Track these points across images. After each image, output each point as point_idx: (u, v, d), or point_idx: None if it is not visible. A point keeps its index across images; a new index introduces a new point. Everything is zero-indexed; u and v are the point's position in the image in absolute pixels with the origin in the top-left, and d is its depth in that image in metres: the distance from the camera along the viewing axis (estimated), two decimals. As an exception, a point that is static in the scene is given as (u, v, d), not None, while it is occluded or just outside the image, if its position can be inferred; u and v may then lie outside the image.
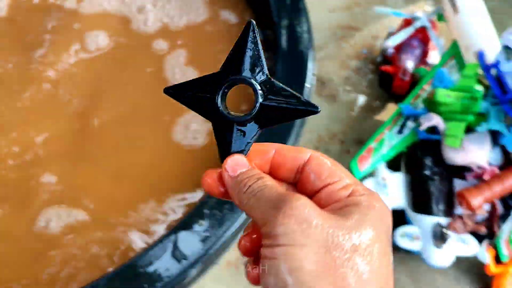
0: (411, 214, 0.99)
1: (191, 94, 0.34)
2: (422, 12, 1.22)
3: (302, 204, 0.28)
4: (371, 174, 1.06)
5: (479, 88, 1.02)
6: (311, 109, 0.35)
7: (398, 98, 1.19)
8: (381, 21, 1.41)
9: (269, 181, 0.31)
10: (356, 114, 1.23)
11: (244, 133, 0.33)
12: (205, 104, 0.34)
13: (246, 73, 0.33)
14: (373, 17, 1.42)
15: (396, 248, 1.02)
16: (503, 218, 0.99)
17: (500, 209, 1.01)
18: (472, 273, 1.00)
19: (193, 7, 0.97)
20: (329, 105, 1.25)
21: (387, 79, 1.22)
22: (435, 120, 0.97)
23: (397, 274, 1.00)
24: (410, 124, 1.03)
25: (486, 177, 0.96)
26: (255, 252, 0.32)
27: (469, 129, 0.99)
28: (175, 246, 0.59)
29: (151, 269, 0.58)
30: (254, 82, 0.33)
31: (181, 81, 0.35)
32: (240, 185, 0.31)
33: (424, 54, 1.22)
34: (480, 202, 0.94)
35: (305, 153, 0.34)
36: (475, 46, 1.07)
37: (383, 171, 1.04)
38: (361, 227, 0.28)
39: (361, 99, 1.25)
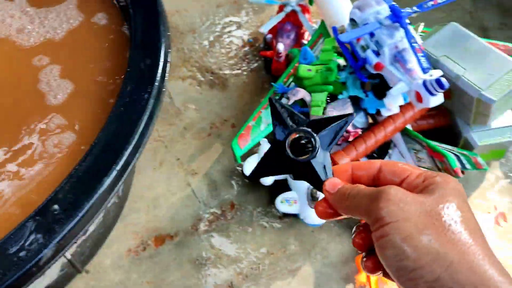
0: (291, 182, 1.08)
1: (269, 165, 0.43)
2: (293, -2, 1.32)
3: (395, 190, 0.35)
4: (255, 151, 1.14)
5: (341, 61, 1.13)
6: (346, 117, 0.44)
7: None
8: (267, 10, 1.50)
9: (361, 186, 0.39)
10: (245, 98, 1.32)
11: (320, 162, 0.42)
12: (281, 165, 0.43)
13: (293, 126, 0.44)
14: (260, 7, 1.51)
15: (285, 215, 1.11)
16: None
17: (368, 166, 1.11)
18: (352, 227, 1.10)
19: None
20: (220, 93, 1.33)
21: (269, 63, 1.31)
22: (301, 93, 1.07)
23: (287, 237, 1.08)
24: (285, 101, 1.12)
25: (350, 139, 1.07)
26: (367, 246, 0.38)
27: (333, 97, 1.09)
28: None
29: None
30: (305, 128, 0.43)
31: (253, 165, 0.45)
32: (342, 196, 0.39)
33: (300, 36, 1.32)
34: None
35: (376, 163, 0.41)
36: (337, 23, 1.17)
37: (265, 146, 1.12)
38: (446, 198, 0.35)
39: (249, 84, 1.34)
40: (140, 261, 1.05)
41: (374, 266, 0.38)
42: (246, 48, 1.41)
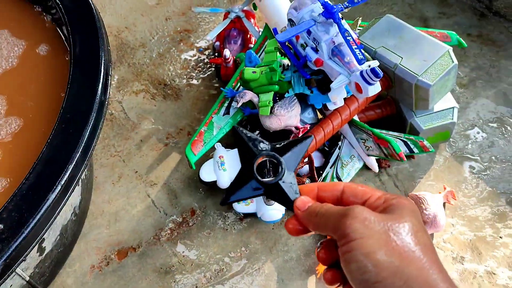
0: (247, 182, 1.10)
1: (239, 190, 0.48)
2: (237, 6, 1.36)
3: (361, 209, 0.40)
4: (210, 157, 1.16)
5: (285, 60, 1.17)
6: (306, 140, 0.50)
7: (231, 84, 1.31)
8: (214, 19, 1.53)
9: (329, 205, 0.43)
10: (199, 106, 1.34)
11: (287, 182, 0.46)
12: (251, 188, 0.47)
13: (258, 151, 0.49)
14: (207, 17, 1.54)
15: (245, 215, 1.13)
16: (325, 166, 1.14)
17: (319, 161, 1.15)
18: (312, 221, 1.12)
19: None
20: (174, 104, 1.34)
21: (220, 70, 1.34)
22: (248, 95, 1.09)
23: (248, 237, 1.10)
24: (235, 104, 1.15)
25: (300, 135, 1.10)
26: (330, 260, 0.43)
27: (281, 96, 1.12)
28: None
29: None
30: (270, 152, 0.48)
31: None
32: (312, 214, 0.43)
33: (246, 41, 1.35)
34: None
35: (340, 185, 0.45)
36: (280, 26, 1.21)
37: (220, 150, 1.14)
38: (404, 218, 0.39)
39: (202, 92, 1.36)
40: (104, 276, 1.06)
41: (333, 279, 0.43)
42: (197, 57, 1.44)
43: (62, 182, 0.72)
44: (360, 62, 0.95)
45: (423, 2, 1.59)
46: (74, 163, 0.74)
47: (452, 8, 1.57)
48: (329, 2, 0.99)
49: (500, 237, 1.11)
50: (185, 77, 1.40)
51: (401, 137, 1.15)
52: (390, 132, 1.15)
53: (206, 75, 1.40)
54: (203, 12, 1.43)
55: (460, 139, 1.26)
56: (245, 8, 1.34)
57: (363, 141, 1.13)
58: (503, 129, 1.28)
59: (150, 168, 1.22)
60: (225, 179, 1.11)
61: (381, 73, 0.92)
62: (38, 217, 0.69)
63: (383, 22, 1.16)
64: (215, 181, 1.11)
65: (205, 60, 1.42)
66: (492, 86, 1.37)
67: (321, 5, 0.99)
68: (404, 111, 1.18)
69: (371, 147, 1.11)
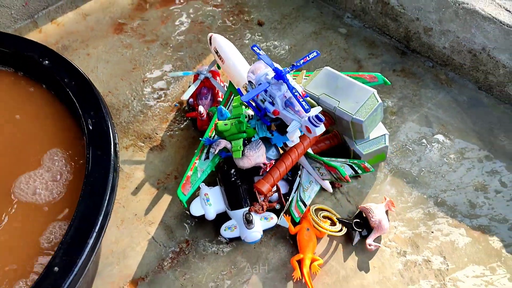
0: (230, 212, 1.37)
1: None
2: (203, 67, 1.64)
3: None
4: (197, 195, 1.42)
5: (250, 111, 1.45)
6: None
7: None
8: (186, 80, 1.81)
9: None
10: (181, 153, 1.60)
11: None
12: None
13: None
14: (180, 78, 1.82)
15: (230, 239, 1.39)
16: (290, 192, 1.42)
17: (285, 188, 1.43)
18: (285, 237, 1.40)
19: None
20: (159, 154, 1.60)
21: (195, 121, 1.61)
22: (222, 143, 1.37)
23: (235, 257, 1.36)
24: (212, 150, 1.41)
25: (267, 169, 1.38)
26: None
27: (249, 140, 1.40)
28: None
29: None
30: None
31: None
32: None
33: (215, 95, 1.63)
34: (268, 188, 1.35)
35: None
36: (241, 83, 1.50)
37: (204, 189, 1.41)
38: None
39: (183, 141, 1.62)
40: (121, 303, 1.28)
41: None
42: (174, 112, 1.71)
43: (96, 230, 0.96)
44: (306, 111, 1.24)
45: (355, 46, 1.92)
46: (101, 216, 0.99)
47: (379, 49, 1.91)
48: (278, 67, 1.29)
49: (432, 232, 1.41)
50: (166, 130, 1.66)
51: (346, 162, 1.45)
52: (338, 159, 1.45)
53: (183, 126, 1.67)
54: (176, 75, 1.70)
55: (395, 158, 1.58)
56: (211, 69, 1.62)
57: (318, 168, 1.42)
58: (428, 145, 1.61)
59: (147, 210, 1.46)
60: (211, 212, 1.37)
61: (323, 118, 1.22)
62: (83, 257, 0.93)
63: (322, 73, 1.47)
64: (203, 215, 1.37)
65: (182, 114, 1.69)
66: (416, 111, 1.71)
67: (272, 70, 1.28)
68: (347, 141, 1.48)
69: (324, 173, 1.41)
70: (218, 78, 1.65)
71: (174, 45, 1.92)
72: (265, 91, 1.31)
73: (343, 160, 1.45)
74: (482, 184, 1.51)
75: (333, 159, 1.45)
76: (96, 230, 0.97)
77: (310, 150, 1.44)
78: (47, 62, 1.27)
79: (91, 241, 0.95)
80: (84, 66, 1.86)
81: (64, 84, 1.22)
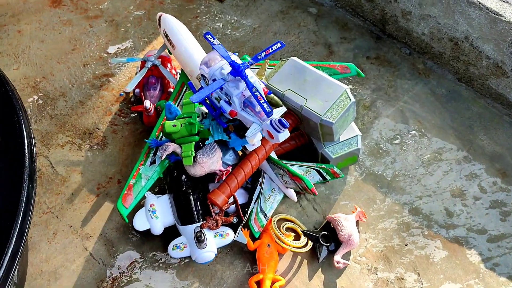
0: (179, 227, 1.18)
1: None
2: (151, 52, 1.42)
3: None
4: (142, 204, 1.23)
5: (204, 108, 1.25)
6: None
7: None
8: (134, 65, 1.58)
9: None
10: (126, 152, 1.39)
11: None
12: None
13: None
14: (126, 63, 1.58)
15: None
16: (249, 203, 1.24)
17: (244, 198, 1.25)
18: (242, 253, 1.23)
19: None
20: (101, 152, 1.39)
21: (143, 115, 1.40)
22: (170, 147, 1.17)
23: (186, 276, 1.19)
24: (159, 153, 1.21)
25: (224, 177, 1.20)
26: None
27: (202, 143, 1.21)
28: None
29: None
30: None
31: None
32: None
33: (165, 86, 1.42)
34: (224, 199, 1.17)
35: None
36: (195, 73, 1.29)
37: (150, 198, 1.22)
38: None
39: (128, 138, 1.41)
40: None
41: None
42: (120, 103, 1.48)
43: (6, 262, 0.77)
44: (268, 114, 1.06)
45: (326, 28, 1.73)
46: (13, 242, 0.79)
47: (352, 33, 1.73)
48: (236, 60, 1.09)
49: (406, 245, 1.28)
50: (109, 123, 1.44)
51: (314, 167, 1.28)
52: (305, 163, 1.28)
53: (129, 119, 1.45)
54: (119, 62, 1.47)
55: (367, 159, 1.42)
56: (161, 55, 1.40)
57: (281, 175, 1.25)
58: (403, 145, 1.46)
59: (84, 221, 1.27)
60: (158, 226, 1.19)
61: (287, 124, 1.03)
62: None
63: (288, 65, 1.27)
64: (149, 229, 1.19)
65: (128, 105, 1.48)
66: (391, 105, 1.55)
67: (229, 64, 1.08)
68: (314, 142, 1.31)
69: (288, 181, 1.23)
70: (169, 65, 1.44)
71: (121, 22, 1.67)
72: (221, 88, 1.11)
73: (309, 164, 1.28)
74: (460, 190, 1.38)
75: (299, 163, 1.28)
76: (8, 256, 0.77)
77: (273, 154, 1.27)
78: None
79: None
80: (14, 45, 1.60)
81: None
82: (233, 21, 1.72)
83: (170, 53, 1.41)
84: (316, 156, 1.33)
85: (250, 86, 1.06)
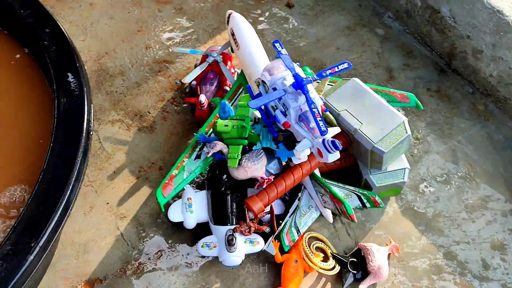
0: (212, 226, 1.19)
1: None
2: (215, 47, 1.42)
3: None
4: (179, 196, 1.24)
5: (257, 112, 1.25)
6: None
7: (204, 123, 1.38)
8: (194, 56, 1.59)
9: None
10: (172, 140, 1.40)
11: None
12: None
13: None
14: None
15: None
16: (285, 215, 1.23)
17: (280, 209, 1.24)
18: (268, 264, 1.22)
19: None
20: (148, 136, 1.41)
21: (195, 107, 1.41)
22: (218, 146, 1.17)
23: (209, 275, 1.19)
24: (205, 149, 1.22)
25: (264, 185, 1.19)
26: None
27: (249, 147, 1.21)
28: None
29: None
30: None
31: None
32: None
33: (222, 83, 1.42)
34: (261, 207, 1.16)
35: None
36: (254, 76, 1.29)
37: (188, 191, 1.22)
38: None
39: (176, 127, 1.43)
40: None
41: None
42: (174, 91, 1.50)
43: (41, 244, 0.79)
44: (322, 133, 1.04)
45: (390, 52, 1.70)
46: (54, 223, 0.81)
47: (416, 61, 1.68)
48: (300, 73, 1.08)
49: (434, 289, 1.24)
50: (160, 109, 1.46)
51: (355, 191, 1.26)
52: (346, 186, 1.26)
53: (180, 109, 1.47)
54: (182, 52, 1.48)
55: (409, 193, 1.39)
56: (223, 52, 1.41)
57: (321, 194, 1.23)
58: (449, 186, 1.41)
59: (121, 201, 1.29)
60: (192, 221, 1.19)
61: (340, 147, 1.01)
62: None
63: (348, 85, 1.25)
64: (182, 222, 1.19)
65: (182, 95, 1.49)
66: (443, 142, 1.50)
67: (293, 76, 1.07)
68: (360, 166, 1.28)
69: (327, 201, 1.22)
70: (229, 62, 1.44)
71: (189, 12, 1.69)
72: (279, 98, 1.10)
73: (351, 188, 1.26)
74: (501, 243, 1.32)
75: (341, 184, 1.26)
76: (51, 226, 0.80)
77: (316, 171, 1.25)
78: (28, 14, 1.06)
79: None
80: (84, 17, 1.64)
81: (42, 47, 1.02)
82: (298, 29, 1.71)
83: (233, 51, 1.41)
84: (358, 181, 1.31)
85: (309, 102, 1.05)
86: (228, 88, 1.42)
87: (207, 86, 1.39)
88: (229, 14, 1.38)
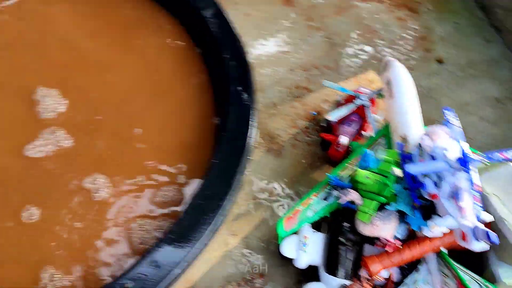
0: (322, 274, 1.15)
1: None
2: (364, 90, 1.38)
3: None
4: (296, 232, 1.21)
5: (399, 171, 1.20)
6: None
7: (335, 163, 1.34)
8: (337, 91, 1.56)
9: None
10: (297, 169, 1.38)
11: None
12: None
13: None
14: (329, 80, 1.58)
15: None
16: (399, 283, 1.17)
17: (397, 277, 1.18)
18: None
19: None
20: (274, 160, 1.40)
21: (327, 144, 1.38)
22: (353, 196, 1.13)
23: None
24: (335, 193, 1.19)
25: (389, 249, 1.13)
26: None
27: (382, 205, 1.16)
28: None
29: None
30: None
31: None
32: None
33: (362, 127, 1.38)
34: (378, 269, 1.11)
35: None
36: (400, 130, 1.23)
37: (306, 230, 1.19)
38: None
39: (305, 157, 1.41)
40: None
41: None
42: (308, 121, 1.48)
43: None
44: (477, 218, 0.97)
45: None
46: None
47: None
48: (465, 149, 1.01)
49: None
50: (292, 136, 1.45)
51: (478, 280, 1.16)
52: (468, 271, 1.17)
53: (311, 140, 1.45)
54: (331, 86, 1.46)
55: (532, 297, 1.26)
56: (372, 97, 1.37)
57: (444, 275, 1.15)
58: None
59: (236, 217, 1.29)
60: (304, 261, 1.16)
61: (497, 241, 0.93)
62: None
63: (504, 170, 1.17)
64: (293, 259, 1.17)
65: (315, 126, 1.47)
66: None
67: (462, 153, 1.00)
68: (489, 255, 1.19)
69: (449, 284, 1.14)
70: (371, 107, 1.40)
71: (338, 44, 1.67)
72: (436, 168, 1.04)
73: (475, 276, 1.16)
74: None
75: (464, 269, 1.17)
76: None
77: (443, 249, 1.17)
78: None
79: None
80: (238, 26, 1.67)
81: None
82: (444, 87, 1.63)
83: (380, 97, 1.37)
84: (480, 267, 1.21)
85: (471, 183, 0.98)
86: (366, 134, 1.37)
87: (346, 127, 1.36)
88: (387, 61, 1.33)
